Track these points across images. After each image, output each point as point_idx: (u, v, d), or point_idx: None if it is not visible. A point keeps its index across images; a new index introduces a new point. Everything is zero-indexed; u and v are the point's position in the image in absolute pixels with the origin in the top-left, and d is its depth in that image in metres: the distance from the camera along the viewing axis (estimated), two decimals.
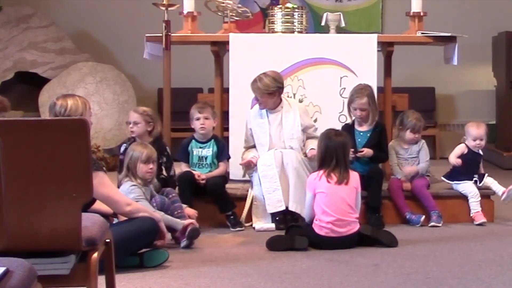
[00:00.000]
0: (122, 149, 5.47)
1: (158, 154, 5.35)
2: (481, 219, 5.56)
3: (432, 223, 5.48)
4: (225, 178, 5.62)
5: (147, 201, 4.82)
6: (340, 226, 4.81)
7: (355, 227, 4.85)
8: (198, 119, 5.54)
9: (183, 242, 4.85)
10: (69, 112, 4.30)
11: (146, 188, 4.91)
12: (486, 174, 5.79)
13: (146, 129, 5.41)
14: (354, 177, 4.95)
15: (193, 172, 5.50)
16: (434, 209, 5.54)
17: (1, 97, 3.74)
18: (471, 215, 5.60)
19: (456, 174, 5.79)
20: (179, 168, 5.67)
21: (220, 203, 5.44)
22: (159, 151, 5.41)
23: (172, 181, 5.50)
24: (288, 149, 5.54)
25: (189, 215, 5.04)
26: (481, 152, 5.83)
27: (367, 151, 5.54)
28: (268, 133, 5.59)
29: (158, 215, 4.48)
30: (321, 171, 4.93)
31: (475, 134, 5.72)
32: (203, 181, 5.46)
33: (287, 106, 5.61)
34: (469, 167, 5.75)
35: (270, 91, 5.48)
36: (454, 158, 5.78)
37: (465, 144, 5.79)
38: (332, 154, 4.92)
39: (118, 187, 4.99)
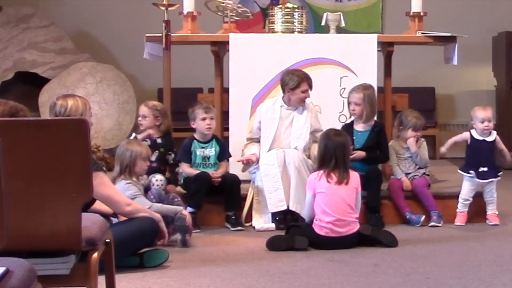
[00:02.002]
0: (131, 137, 5.61)
1: (167, 149, 5.41)
2: (460, 221, 5.54)
3: (432, 223, 5.48)
4: (239, 178, 5.61)
5: (143, 196, 4.83)
6: (340, 226, 4.81)
7: (355, 227, 4.85)
8: (204, 119, 5.55)
9: (178, 237, 4.85)
10: (69, 112, 4.30)
11: (140, 185, 4.95)
12: (497, 178, 5.57)
13: (154, 123, 5.53)
14: (354, 177, 4.95)
15: (208, 172, 5.51)
16: (435, 209, 5.54)
17: (22, 106, 3.75)
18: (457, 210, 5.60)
19: (464, 164, 5.67)
20: (180, 168, 5.68)
21: (230, 200, 5.46)
22: (168, 147, 5.47)
23: (175, 179, 5.52)
24: (292, 148, 5.54)
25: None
26: (489, 139, 5.55)
27: (359, 154, 5.54)
28: (276, 129, 5.59)
29: (158, 215, 4.48)
30: (321, 171, 4.93)
31: (482, 116, 5.50)
32: (219, 179, 5.47)
33: (301, 107, 5.62)
34: (474, 158, 5.58)
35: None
36: (445, 145, 5.69)
37: (470, 132, 5.61)
38: (331, 154, 4.92)
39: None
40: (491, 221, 5.55)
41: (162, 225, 4.43)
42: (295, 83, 5.50)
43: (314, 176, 4.97)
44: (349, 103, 5.66)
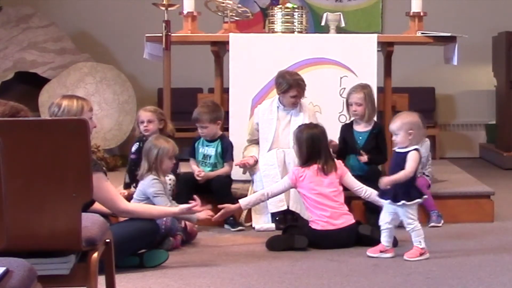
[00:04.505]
0: (134, 148, 5.50)
1: None
2: (372, 251, 4.64)
3: (432, 224, 5.47)
4: (230, 178, 5.61)
5: (166, 196, 4.85)
6: (335, 218, 4.83)
7: (350, 219, 4.87)
8: (197, 127, 5.61)
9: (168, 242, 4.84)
10: (62, 112, 4.28)
11: (165, 185, 4.96)
12: (412, 202, 4.55)
13: (158, 127, 5.46)
14: (336, 166, 4.99)
15: (194, 168, 5.53)
16: (433, 209, 5.53)
17: (22, 106, 3.76)
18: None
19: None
20: (181, 166, 5.69)
21: (221, 202, 5.42)
22: None
23: (177, 179, 5.52)
24: (291, 148, 5.54)
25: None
26: (401, 150, 4.60)
27: (362, 158, 5.55)
28: (274, 129, 5.59)
29: (175, 209, 4.49)
30: (304, 168, 4.95)
31: (389, 128, 4.73)
32: (201, 178, 5.47)
33: (299, 106, 5.62)
34: (390, 174, 4.73)
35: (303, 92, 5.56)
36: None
37: None
38: (304, 149, 4.97)
39: (136, 184, 5.05)
40: (406, 256, 4.57)
41: (182, 217, 4.60)
42: (284, 88, 5.52)
43: (299, 171, 4.96)
44: (349, 105, 5.62)
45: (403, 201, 4.54)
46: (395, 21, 8.14)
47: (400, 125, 4.60)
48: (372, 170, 5.54)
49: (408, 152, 4.58)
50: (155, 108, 5.59)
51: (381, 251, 4.64)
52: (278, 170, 5.43)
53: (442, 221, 5.51)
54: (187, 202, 5.06)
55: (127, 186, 5.46)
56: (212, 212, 4.89)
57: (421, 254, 4.54)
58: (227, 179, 5.55)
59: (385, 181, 4.57)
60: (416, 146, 4.61)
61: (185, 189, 5.36)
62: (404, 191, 4.54)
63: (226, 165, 5.63)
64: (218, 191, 5.44)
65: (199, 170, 5.50)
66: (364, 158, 5.52)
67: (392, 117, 6.15)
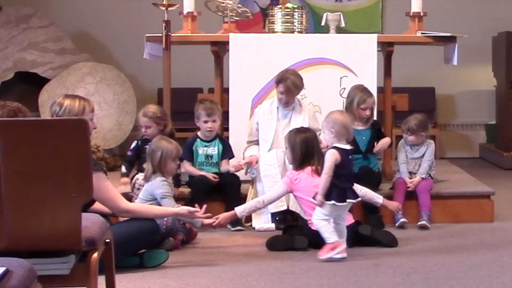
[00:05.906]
0: (132, 146, 5.56)
1: None
2: (323, 254, 4.53)
3: (423, 222, 5.38)
4: (239, 179, 5.60)
5: (172, 198, 4.85)
6: None
7: (350, 219, 4.85)
8: (206, 121, 5.56)
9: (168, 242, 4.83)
10: (63, 112, 4.28)
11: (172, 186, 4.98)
12: (331, 201, 4.53)
13: (158, 130, 5.47)
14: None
15: (206, 174, 5.50)
16: (426, 210, 5.47)
17: (21, 107, 3.76)
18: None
19: None
20: (182, 166, 5.67)
21: (230, 200, 5.39)
22: None
23: (178, 179, 5.52)
24: None
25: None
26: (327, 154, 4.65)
27: (383, 145, 5.58)
28: (274, 130, 5.59)
29: (176, 209, 4.50)
30: (298, 171, 4.94)
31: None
32: (217, 180, 5.48)
33: (298, 107, 5.61)
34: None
35: (299, 90, 5.54)
36: None
37: None
38: (298, 152, 4.94)
39: (134, 183, 5.06)
40: (318, 254, 4.55)
41: (188, 221, 4.64)
42: (275, 82, 5.53)
43: (294, 175, 4.94)
44: (361, 109, 5.56)
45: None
46: (395, 21, 8.14)
47: (325, 124, 4.72)
48: (365, 169, 5.53)
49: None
50: (153, 112, 5.51)
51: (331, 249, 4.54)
52: (278, 170, 5.43)
53: (430, 224, 5.44)
54: (200, 205, 5.04)
55: (124, 175, 5.50)
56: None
57: (332, 249, 4.49)
58: (237, 179, 5.55)
59: (318, 198, 4.58)
60: (335, 144, 4.62)
61: (199, 193, 5.36)
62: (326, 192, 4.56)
63: (224, 163, 5.62)
64: (229, 187, 5.47)
65: (214, 176, 5.49)
66: (386, 142, 5.55)
67: (392, 117, 6.24)
